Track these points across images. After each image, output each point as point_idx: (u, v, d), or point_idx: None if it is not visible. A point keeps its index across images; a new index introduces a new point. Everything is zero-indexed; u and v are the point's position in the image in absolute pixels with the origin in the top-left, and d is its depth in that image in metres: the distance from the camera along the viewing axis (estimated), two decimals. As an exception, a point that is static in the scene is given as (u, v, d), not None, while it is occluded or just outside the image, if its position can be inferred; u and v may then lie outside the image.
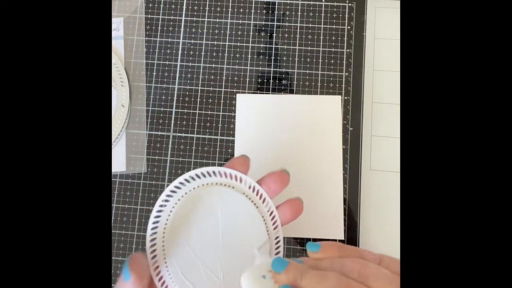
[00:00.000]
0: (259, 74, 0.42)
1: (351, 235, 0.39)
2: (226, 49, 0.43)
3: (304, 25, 0.43)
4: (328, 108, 0.41)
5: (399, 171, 0.40)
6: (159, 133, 0.42)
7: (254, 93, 0.42)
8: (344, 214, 0.39)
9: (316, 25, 0.43)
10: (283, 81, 0.42)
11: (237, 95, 0.42)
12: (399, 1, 0.42)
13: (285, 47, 0.42)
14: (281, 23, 0.43)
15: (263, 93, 0.42)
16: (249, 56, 0.43)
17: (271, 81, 0.42)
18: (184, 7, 0.44)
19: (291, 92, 0.42)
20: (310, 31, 0.43)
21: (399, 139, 0.40)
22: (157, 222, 0.28)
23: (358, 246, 0.38)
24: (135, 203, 0.40)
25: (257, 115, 0.41)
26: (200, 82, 0.42)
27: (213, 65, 0.43)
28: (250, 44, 0.43)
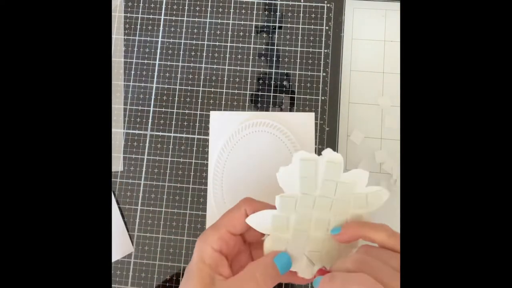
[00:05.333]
0: (237, 74, 0.42)
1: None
2: (205, 48, 0.43)
3: (283, 25, 0.43)
4: (302, 124, 0.40)
5: (375, 171, 0.40)
6: (136, 131, 0.42)
7: (228, 110, 0.42)
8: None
9: (294, 25, 0.43)
10: (260, 81, 0.42)
11: (211, 112, 0.41)
12: (378, 2, 0.43)
13: (263, 47, 0.43)
14: (259, 23, 0.43)
15: (239, 110, 0.42)
16: (227, 55, 0.43)
17: (248, 80, 0.42)
18: (164, 6, 0.44)
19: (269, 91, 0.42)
20: (288, 31, 0.43)
21: (375, 139, 0.40)
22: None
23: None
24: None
25: (230, 131, 0.41)
26: (178, 81, 0.42)
27: (192, 64, 0.43)
28: (229, 44, 0.43)
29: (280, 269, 0.28)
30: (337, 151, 0.40)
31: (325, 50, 0.42)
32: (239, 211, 0.29)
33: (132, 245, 0.40)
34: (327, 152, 0.30)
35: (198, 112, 0.42)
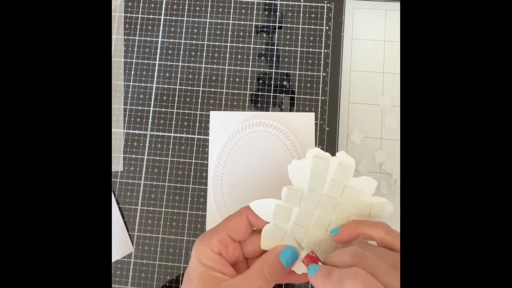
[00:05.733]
0: (237, 74, 0.42)
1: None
2: (205, 48, 0.43)
3: (283, 25, 0.43)
4: (302, 124, 0.40)
5: (375, 171, 0.40)
6: (136, 131, 0.42)
7: (229, 110, 0.42)
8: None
9: (294, 25, 0.43)
10: (260, 81, 0.42)
11: (211, 112, 0.41)
12: (378, 2, 0.43)
13: (263, 47, 0.43)
14: (259, 23, 0.43)
15: (239, 110, 0.42)
16: (227, 55, 0.43)
17: (248, 80, 0.42)
18: (164, 6, 0.44)
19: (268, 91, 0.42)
20: (288, 31, 0.43)
21: (375, 139, 0.40)
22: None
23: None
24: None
25: (230, 130, 0.41)
26: (178, 81, 0.42)
27: (192, 64, 0.43)
28: (229, 44, 0.43)
29: (285, 263, 0.28)
30: (337, 151, 0.40)
31: (325, 50, 0.42)
32: (240, 216, 0.29)
33: (132, 245, 0.40)
34: (341, 154, 0.30)
35: (198, 112, 0.42)
